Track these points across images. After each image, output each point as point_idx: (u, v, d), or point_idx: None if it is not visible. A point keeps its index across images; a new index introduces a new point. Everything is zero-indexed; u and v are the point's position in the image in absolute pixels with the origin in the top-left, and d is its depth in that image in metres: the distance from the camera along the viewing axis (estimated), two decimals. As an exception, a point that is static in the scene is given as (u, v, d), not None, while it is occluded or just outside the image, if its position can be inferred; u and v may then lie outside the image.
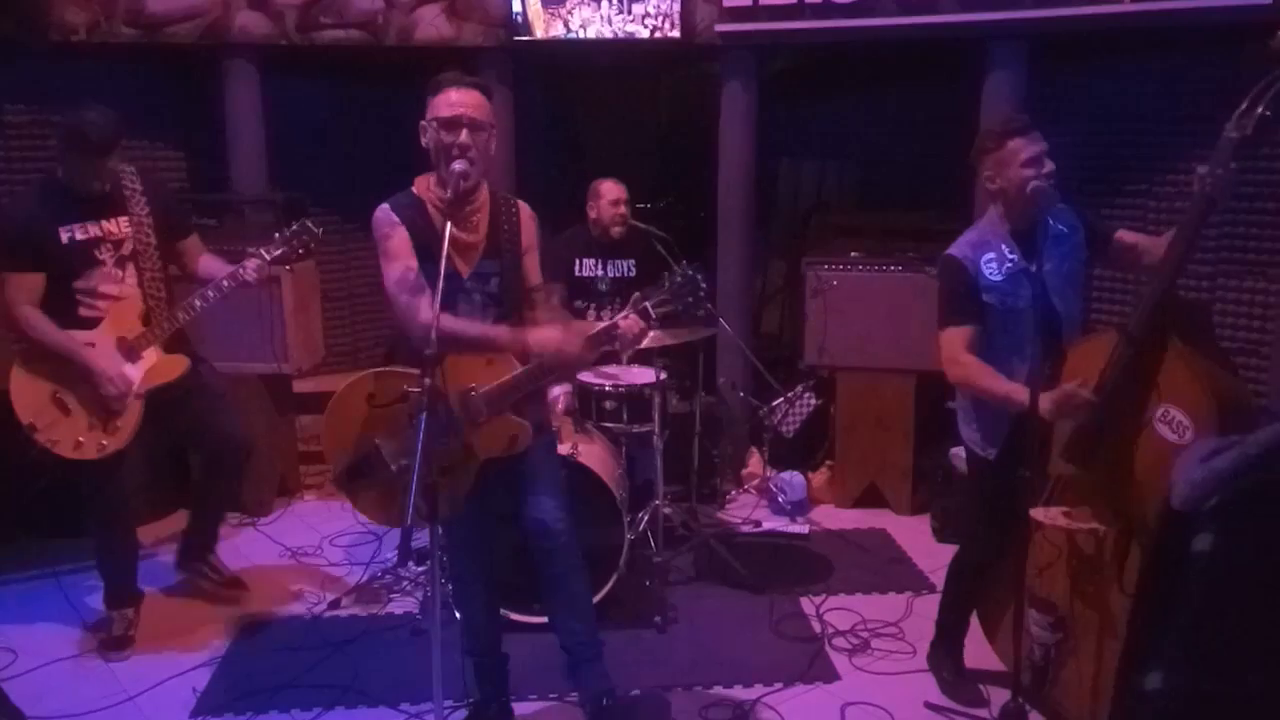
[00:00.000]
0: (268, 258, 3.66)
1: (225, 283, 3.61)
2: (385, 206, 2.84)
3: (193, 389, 3.73)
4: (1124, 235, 3.17)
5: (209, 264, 3.81)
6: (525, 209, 2.98)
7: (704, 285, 2.74)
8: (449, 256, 2.62)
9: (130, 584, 3.86)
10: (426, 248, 2.78)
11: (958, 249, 3.13)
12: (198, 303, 3.60)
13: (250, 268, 3.61)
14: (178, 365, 3.67)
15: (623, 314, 2.77)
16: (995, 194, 3.08)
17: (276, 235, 3.74)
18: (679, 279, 2.74)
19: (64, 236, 3.48)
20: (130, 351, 3.58)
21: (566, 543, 2.98)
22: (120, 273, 3.58)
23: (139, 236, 3.60)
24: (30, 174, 5.12)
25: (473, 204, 2.86)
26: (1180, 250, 2.74)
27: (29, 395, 3.51)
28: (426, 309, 2.69)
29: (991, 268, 3.05)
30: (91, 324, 3.55)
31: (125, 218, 3.60)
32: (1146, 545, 2.72)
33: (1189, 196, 4.68)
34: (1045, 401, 2.81)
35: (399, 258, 2.79)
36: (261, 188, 5.25)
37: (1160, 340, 2.75)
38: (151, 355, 3.61)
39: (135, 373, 3.57)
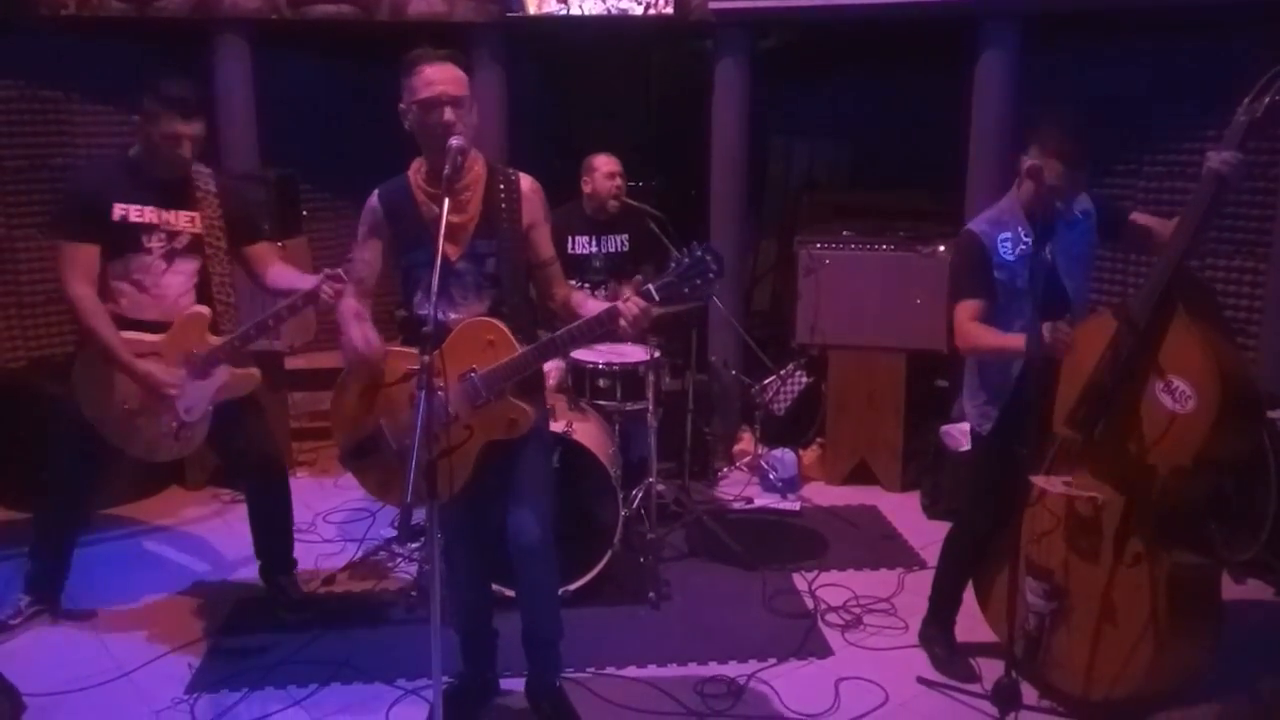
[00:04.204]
0: (345, 279, 3.21)
1: (299, 302, 3.32)
2: (375, 195, 2.84)
3: (244, 403, 3.59)
4: (1138, 217, 3.23)
5: (280, 273, 3.58)
6: (527, 182, 2.86)
7: (714, 267, 2.63)
8: (435, 239, 2.56)
9: (47, 575, 3.72)
10: (414, 236, 2.76)
11: (977, 224, 3.21)
12: (271, 322, 3.38)
13: (332, 291, 3.23)
14: (249, 381, 3.53)
15: (624, 298, 2.69)
16: (1029, 172, 3.06)
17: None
18: (687, 261, 2.65)
19: (117, 213, 3.34)
20: (201, 368, 3.41)
21: (542, 554, 2.94)
22: (164, 265, 3.40)
23: (210, 239, 3.44)
24: (21, 150, 5.10)
25: (461, 181, 2.75)
26: (1189, 233, 2.80)
27: (93, 393, 3.42)
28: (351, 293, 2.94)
29: (1005, 247, 3.13)
30: (124, 322, 3.39)
31: (192, 214, 3.43)
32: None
33: (1179, 177, 4.76)
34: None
35: (359, 248, 2.91)
36: (252, 164, 5.22)
37: (1167, 312, 2.82)
38: (223, 373, 3.45)
39: (207, 388, 3.43)
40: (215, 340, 3.43)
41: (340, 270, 3.24)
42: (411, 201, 2.79)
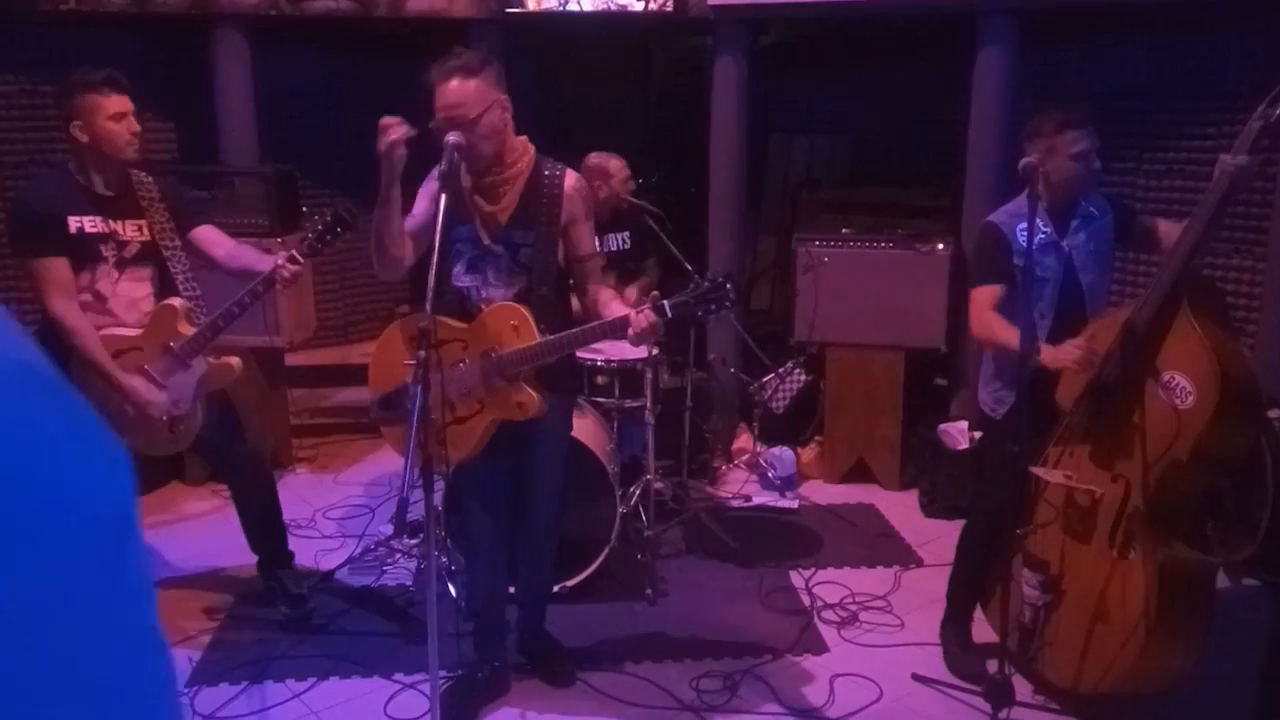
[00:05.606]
0: (301, 260, 3.27)
1: (259, 287, 3.29)
2: (437, 169, 2.93)
3: (217, 401, 3.58)
4: (1144, 219, 3.34)
5: (234, 253, 3.55)
6: (571, 180, 2.99)
7: (731, 297, 2.71)
8: (473, 221, 2.89)
9: None
10: (458, 213, 2.89)
11: (996, 215, 3.29)
12: (236, 310, 3.32)
13: (286, 275, 3.25)
14: (229, 370, 3.53)
15: (638, 309, 2.77)
16: (1024, 170, 3.09)
17: (308, 225, 3.37)
18: (707, 285, 2.71)
19: (73, 226, 3.33)
20: (179, 359, 3.39)
21: (549, 527, 3.24)
22: (117, 274, 3.40)
23: (165, 242, 3.44)
24: (19, 144, 5.11)
25: (498, 174, 2.92)
26: (1197, 233, 2.83)
27: (89, 385, 3.37)
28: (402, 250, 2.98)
29: (1023, 235, 3.15)
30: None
31: (140, 222, 3.43)
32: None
33: (1178, 175, 4.76)
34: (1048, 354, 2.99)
35: (418, 200, 3.02)
36: (252, 159, 5.22)
37: (1172, 309, 2.86)
38: (201, 364, 3.43)
39: (189, 380, 3.41)
40: (189, 330, 3.42)
41: (294, 252, 3.25)
42: (459, 183, 2.91)
